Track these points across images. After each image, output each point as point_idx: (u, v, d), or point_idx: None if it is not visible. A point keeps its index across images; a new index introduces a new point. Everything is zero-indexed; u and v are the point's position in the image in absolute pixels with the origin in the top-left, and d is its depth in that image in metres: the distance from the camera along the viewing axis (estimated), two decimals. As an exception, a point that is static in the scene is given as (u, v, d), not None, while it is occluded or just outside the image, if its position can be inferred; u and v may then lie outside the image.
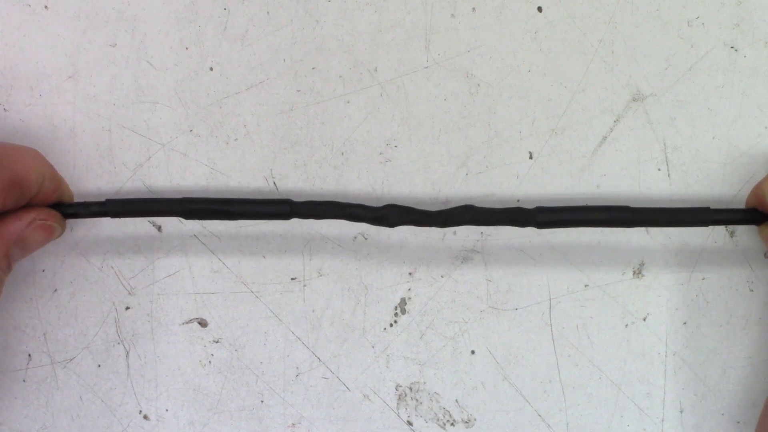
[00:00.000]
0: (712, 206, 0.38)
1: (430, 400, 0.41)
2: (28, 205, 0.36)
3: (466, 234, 0.40)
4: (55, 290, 0.40)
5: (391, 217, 0.37)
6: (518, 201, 0.40)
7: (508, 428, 0.41)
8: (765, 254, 0.40)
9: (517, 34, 0.39)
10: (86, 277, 0.40)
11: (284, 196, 0.39)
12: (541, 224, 0.37)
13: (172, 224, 0.40)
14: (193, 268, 0.40)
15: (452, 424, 0.41)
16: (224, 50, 0.39)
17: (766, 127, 0.39)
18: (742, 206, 0.39)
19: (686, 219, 0.37)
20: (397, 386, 0.41)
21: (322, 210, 0.37)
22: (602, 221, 0.37)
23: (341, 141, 0.40)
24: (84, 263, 0.40)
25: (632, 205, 0.38)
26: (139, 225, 0.40)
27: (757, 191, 0.37)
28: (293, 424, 0.41)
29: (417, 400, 0.41)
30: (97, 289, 0.40)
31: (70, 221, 0.40)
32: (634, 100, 0.39)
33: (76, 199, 0.39)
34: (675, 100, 0.39)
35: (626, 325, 0.40)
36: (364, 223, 0.38)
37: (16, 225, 0.36)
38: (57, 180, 0.37)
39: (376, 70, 0.39)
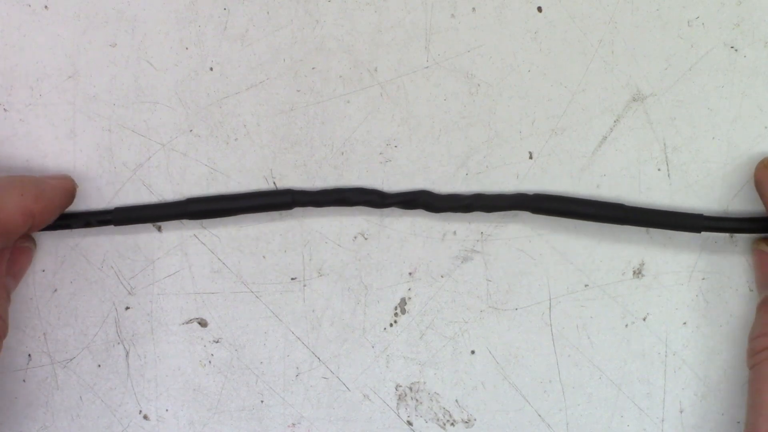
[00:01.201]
0: (712, 207, 0.38)
1: (430, 400, 0.41)
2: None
3: (466, 234, 0.40)
4: (55, 290, 0.40)
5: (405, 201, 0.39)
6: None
7: (508, 428, 0.41)
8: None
9: (517, 34, 0.39)
10: (86, 277, 0.40)
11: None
12: (536, 210, 0.38)
13: (172, 224, 0.40)
14: (193, 268, 0.40)
15: (452, 424, 0.41)
16: (224, 50, 0.39)
17: (766, 127, 0.39)
18: (742, 208, 0.39)
19: (678, 223, 0.38)
20: (397, 386, 0.41)
21: (323, 198, 0.39)
22: (593, 216, 0.38)
23: (341, 141, 0.40)
24: (84, 263, 0.40)
25: (632, 205, 0.39)
26: (139, 225, 0.40)
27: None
28: (293, 424, 0.41)
29: (417, 400, 0.41)
30: (97, 289, 0.40)
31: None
32: (634, 100, 0.39)
33: (76, 199, 0.39)
34: (675, 100, 0.39)
35: (626, 325, 0.40)
36: (362, 206, 0.39)
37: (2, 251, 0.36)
38: (49, 207, 0.36)
39: (376, 70, 0.39)
